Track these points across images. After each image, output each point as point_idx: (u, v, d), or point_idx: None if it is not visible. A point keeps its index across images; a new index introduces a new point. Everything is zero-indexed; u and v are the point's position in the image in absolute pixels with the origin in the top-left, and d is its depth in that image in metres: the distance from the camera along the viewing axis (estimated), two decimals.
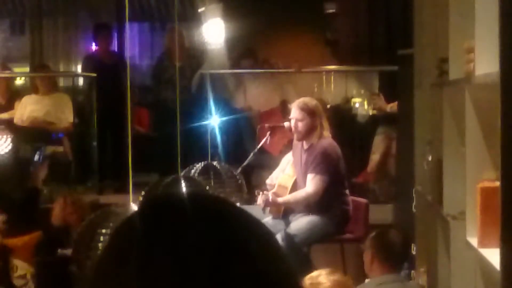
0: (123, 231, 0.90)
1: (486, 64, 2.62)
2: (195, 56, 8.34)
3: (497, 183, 2.42)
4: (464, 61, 3.04)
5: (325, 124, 5.72)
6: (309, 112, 5.65)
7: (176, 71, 6.42)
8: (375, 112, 8.08)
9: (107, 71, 8.08)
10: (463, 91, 3.01)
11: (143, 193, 2.84)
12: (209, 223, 0.87)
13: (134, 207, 2.41)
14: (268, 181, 5.92)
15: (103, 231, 2.32)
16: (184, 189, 2.80)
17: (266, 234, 0.91)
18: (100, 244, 2.30)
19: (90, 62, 8.54)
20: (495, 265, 2.44)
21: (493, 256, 2.52)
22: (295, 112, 5.69)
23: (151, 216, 0.89)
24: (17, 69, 10.81)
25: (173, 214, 0.89)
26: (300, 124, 5.65)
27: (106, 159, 8.32)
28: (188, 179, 2.97)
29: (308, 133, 5.67)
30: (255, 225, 0.91)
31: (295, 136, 5.73)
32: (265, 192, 5.63)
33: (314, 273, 3.91)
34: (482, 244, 2.75)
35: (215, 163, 3.83)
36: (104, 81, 8.06)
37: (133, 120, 8.50)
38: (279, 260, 0.89)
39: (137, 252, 0.85)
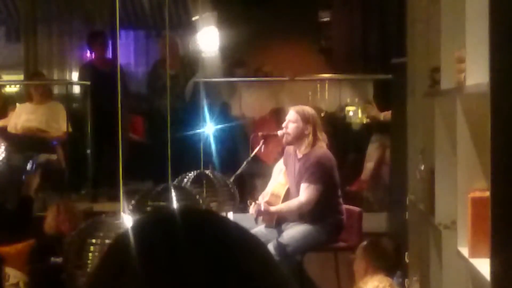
0: (116, 247, 0.90)
1: (476, 74, 2.63)
2: (189, 64, 8.34)
3: (488, 193, 2.42)
4: (455, 71, 3.05)
5: (321, 135, 5.71)
6: (303, 118, 5.66)
7: (167, 79, 6.42)
8: (369, 120, 8.10)
9: (104, 79, 8.07)
10: (454, 101, 3.02)
11: (133, 202, 2.84)
12: (203, 239, 0.87)
13: (125, 216, 2.41)
14: (260, 198, 5.86)
15: (93, 240, 2.31)
16: (174, 198, 2.80)
17: (260, 249, 0.90)
18: (90, 254, 2.30)
19: (87, 70, 8.52)
20: (485, 275, 2.45)
21: (483, 266, 2.52)
22: (290, 113, 5.72)
23: (145, 232, 0.89)
24: (11, 77, 10.80)
25: (167, 229, 0.88)
26: (291, 126, 5.65)
27: (99, 167, 8.31)
28: (179, 188, 2.97)
29: (297, 138, 5.65)
30: (249, 239, 0.91)
31: (283, 139, 5.71)
32: (257, 202, 5.61)
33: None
34: (473, 254, 2.75)
35: (208, 171, 3.82)
36: (100, 89, 8.05)
37: (128, 128, 8.49)
38: (275, 275, 0.89)
39: (132, 269, 0.85)
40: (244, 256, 0.87)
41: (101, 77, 8.13)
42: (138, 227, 0.91)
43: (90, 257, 2.30)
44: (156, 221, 0.91)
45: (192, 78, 8.12)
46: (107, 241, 2.31)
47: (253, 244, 0.90)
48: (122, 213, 2.41)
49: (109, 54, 8.84)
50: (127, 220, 2.36)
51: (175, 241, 0.86)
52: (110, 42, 9.12)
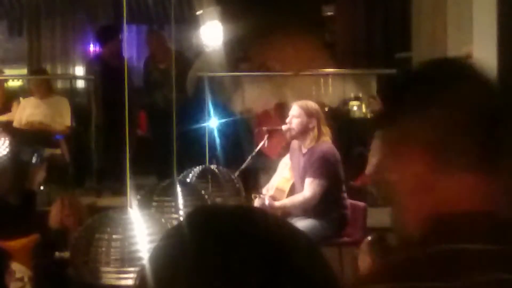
0: (170, 242, 0.90)
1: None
2: (182, 58, 8.33)
3: None
4: None
5: (325, 130, 5.71)
6: (307, 112, 5.66)
7: (173, 75, 6.42)
8: (373, 115, 8.10)
9: (114, 73, 8.05)
10: None
11: (138, 197, 2.83)
12: (256, 237, 0.87)
13: (132, 211, 2.41)
14: (264, 191, 5.86)
15: (101, 236, 2.32)
16: (179, 193, 2.80)
17: (306, 241, 0.91)
18: (97, 249, 2.30)
19: (96, 65, 8.49)
20: None
21: None
22: (293, 108, 5.72)
23: (200, 228, 0.89)
24: (14, 71, 10.81)
25: (221, 226, 0.88)
26: (295, 121, 5.65)
27: (104, 162, 8.32)
28: (184, 184, 2.97)
29: (301, 133, 5.65)
30: (294, 232, 0.91)
31: (288, 133, 5.71)
32: (261, 195, 5.62)
33: None
34: None
35: (213, 166, 3.83)
36: (110, 83, 8.03)
37: (136, 123, 8.49)
38: (325, 274, 0.89)
39: (183, 269, 0.85)
40: (293, 251, 0.87)
41: (111, 71, 8.11)
42: (192, 223, 0.90)
43: (97, 253, 2.30)
44: (209, 218, 0.91)
45: (188, 72, 8.09)
46: (114, 236, 2.31)
47: (300, 237, 0.90)
48: (129, 208, 2.41)
49: (120, 49, 8.84)
50: (134, 215, 2.37)
51: (225, 240, 0.86)
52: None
